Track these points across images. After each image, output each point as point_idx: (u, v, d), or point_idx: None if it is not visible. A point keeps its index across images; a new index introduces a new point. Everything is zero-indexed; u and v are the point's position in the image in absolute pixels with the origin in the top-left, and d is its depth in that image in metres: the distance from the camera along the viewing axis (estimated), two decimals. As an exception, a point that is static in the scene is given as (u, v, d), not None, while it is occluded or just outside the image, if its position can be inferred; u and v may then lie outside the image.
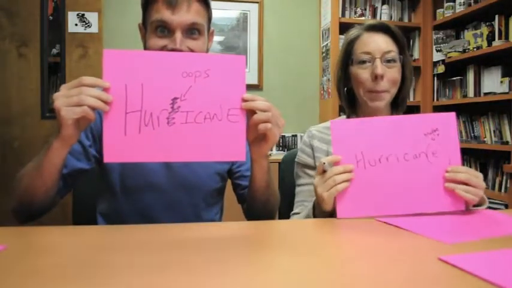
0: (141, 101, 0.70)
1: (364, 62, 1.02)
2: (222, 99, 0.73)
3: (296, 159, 1.12)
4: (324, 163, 0.81)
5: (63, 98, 0.68)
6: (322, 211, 0.83)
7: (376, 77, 1.00)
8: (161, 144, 0.71)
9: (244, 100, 0.73)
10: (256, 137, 0.78)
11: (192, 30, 0.89)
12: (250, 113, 0.75)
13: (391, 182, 0.83)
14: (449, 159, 0.84)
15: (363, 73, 1.02)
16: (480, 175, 0.84)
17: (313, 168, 1.07)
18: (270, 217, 0.97)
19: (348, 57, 1.07)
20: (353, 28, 1.10)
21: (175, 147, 0.72)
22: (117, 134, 0.69)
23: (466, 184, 0.82)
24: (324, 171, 0.82)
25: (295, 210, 1.06)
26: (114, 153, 0.70)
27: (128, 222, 0.89)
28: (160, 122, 0.71)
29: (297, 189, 1.10)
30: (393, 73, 1.02)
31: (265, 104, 0.75)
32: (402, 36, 1.06)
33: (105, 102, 0.68)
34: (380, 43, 1.02)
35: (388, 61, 1.02)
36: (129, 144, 0.70)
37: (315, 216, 0.89)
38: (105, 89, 0.69)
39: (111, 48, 0.72)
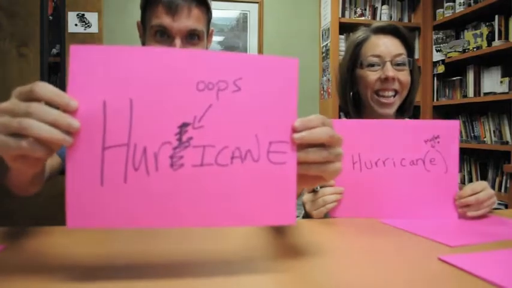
0: (128, 128, 0.44)
1: (373, 65, 1.01)
2: (260, 128, 0.48)
3: None
4: (317, 187, 0.81)
5: (5, 117, 0.43)
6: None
7: (386, 79, 0.99)
8: (161, 201, 0.45)
9: (297, 130, 0.48)
10: (309, 174, 0.52)
11: (191, 36, 0.89)
12: (301, 145, 0.50)
13: (386, 186, 0.83)
14: (447, 168, 0.83)
15: (371, 75, 1.01)
16: (485, 186, 0.82)
17: None
18: None
19: (355, 60, 1.05)
20: (359, 30, 1.07)
21: (185, 205, 0.46)
22: (89, 183, 0.44)
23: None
24: (314, 191, 0.82)
25: None
26: (83, 214, 0.44)
27: None
28: (160, 164, 0.45)
29: None
30: (404, 76, 1.01)
31: (324, 131, 0.50)
32: (411, 38, 1.04)
33: (68, 130, 0.43)
34: (390, 46, 1.00)
35: (398, 64, 1.00)
36: (109, 201, 0.44)
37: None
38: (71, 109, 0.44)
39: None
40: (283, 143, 0.48)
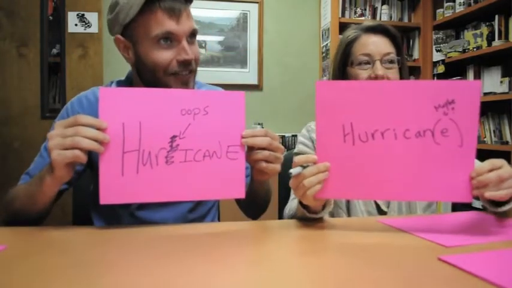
0: (139, 140, 0.69)
1: (363, 63, 1.03)
2: (221, 136, 0.73)
3: (295, 151, 1.13)
4: (291, 172, 0.71)
5: (57, 139, 0.65)
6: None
7: (376, 78, 1.01)
8: (160, 184, 0.70)
9: (244, 137, 0.74)
10: (256, 168, 0.78)
11: (191, 36, 0.87)
12: (250, 147, 0.75)
13: (384, 163, 0.70)
14: (462, 140, 0.68)
15: (362, 73, 1.03)
16: (504, 163, 0.71)
17: None
18: (261, 211, 1.01)
19: (346, 59, 1.07)
20: (349, 29, 1.10)
21: (175, 186, 0.71)
22: (114, 174, 0.68)
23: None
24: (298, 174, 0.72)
25: (292, 197, 1.05)
26: (111, 194, 0.68)
27: (121, 221, 0.89)
28: (159, 161, 0.70)
29: None
30: (393, 74, 1.03)
31: (265, 139, 0.75)
32: (399, 38, 1.07)
33: (101, 142, 0.67)
34: (379, 45, 1.03)
35: (388, 63, 1.03)
36: (127, 185, 0.69)
37: (302, 205, 0.82)
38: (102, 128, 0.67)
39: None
40: (236, 146, 0.74)
